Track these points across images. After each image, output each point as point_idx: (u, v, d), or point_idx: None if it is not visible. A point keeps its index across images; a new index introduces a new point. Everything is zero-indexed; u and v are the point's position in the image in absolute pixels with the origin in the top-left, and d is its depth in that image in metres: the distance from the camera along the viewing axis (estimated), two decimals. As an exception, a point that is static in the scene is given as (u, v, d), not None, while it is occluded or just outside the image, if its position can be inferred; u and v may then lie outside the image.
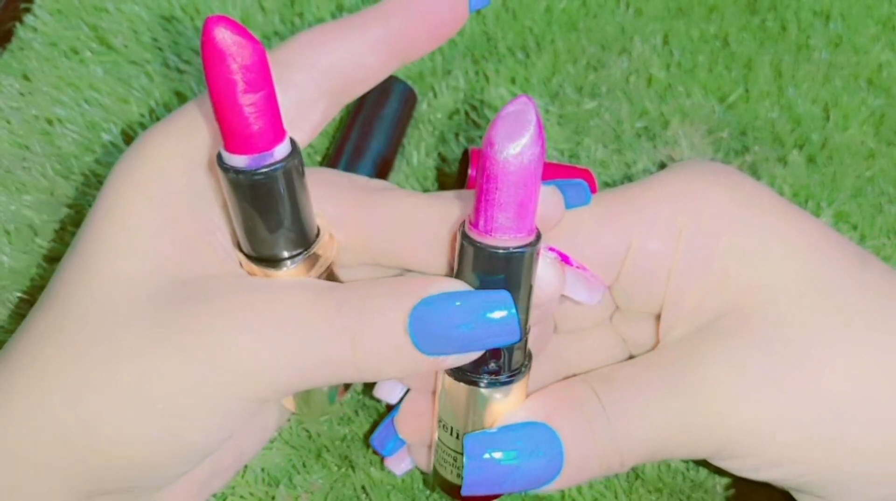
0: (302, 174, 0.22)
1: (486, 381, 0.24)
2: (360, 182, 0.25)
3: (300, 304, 0.22)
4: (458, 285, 0.22)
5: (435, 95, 0.40)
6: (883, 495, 0.24)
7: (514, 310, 0.21)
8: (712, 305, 0.24)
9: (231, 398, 0.22)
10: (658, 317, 0.26)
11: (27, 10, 0.41)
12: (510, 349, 0.23)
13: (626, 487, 0.31)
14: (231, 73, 0.19)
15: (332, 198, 0.24)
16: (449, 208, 0.23)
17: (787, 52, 0.41)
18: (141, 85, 0.39)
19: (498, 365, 0.23)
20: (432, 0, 0.24)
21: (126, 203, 0.23)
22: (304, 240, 0.23)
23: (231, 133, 0.20)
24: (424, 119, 0.39)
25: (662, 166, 0.38)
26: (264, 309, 0.22)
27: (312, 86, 0.24)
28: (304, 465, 0.31)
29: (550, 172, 0.35)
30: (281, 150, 0.21)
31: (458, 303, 0.21)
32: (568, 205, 0.24)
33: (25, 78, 0.39)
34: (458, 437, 0.25)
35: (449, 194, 0.24)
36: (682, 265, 0.25)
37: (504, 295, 0.21)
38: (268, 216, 0.22)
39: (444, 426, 0.25)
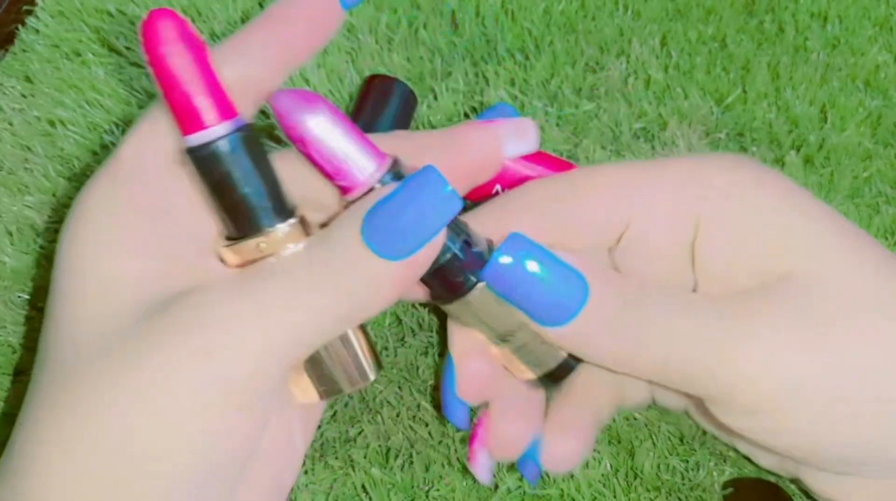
0: (261, 143, 0.24)
1: (470, 283, 0.25)
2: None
3: (283, 274, 0.23)
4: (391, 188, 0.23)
5: (435, 97, 0.40)
6: (884, 474, 0.25)
7: (438, 175, 0.23)
8: (755, 270, 0.25)
9: (246, 377, 0.23)
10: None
11: (29, 13, 0.41)
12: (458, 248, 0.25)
13: (625, 486, 0.31)
14: (168, 58, 0.22)
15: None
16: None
17: (785, 54, 0.41)
18: (143, 86, 0.39)
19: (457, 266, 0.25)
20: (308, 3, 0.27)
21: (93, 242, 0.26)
22: (284, 209, 0.24)
23: (183, 114, 0.23)
24: (424, 121, 0.39)
25: (661, 167, 0.39)
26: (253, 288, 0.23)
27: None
28: (304, 464, 0.31)
29: (544, 164, 0.35)
30: (234, 122, 0.23)
31: (394, 196, 0.23)
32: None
33: (27, 80, 0.39)
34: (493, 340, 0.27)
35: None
36: (712, 231, 0.25)
37: (429, 169, 0.23)
38: (239, 184, 0.23)
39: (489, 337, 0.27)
